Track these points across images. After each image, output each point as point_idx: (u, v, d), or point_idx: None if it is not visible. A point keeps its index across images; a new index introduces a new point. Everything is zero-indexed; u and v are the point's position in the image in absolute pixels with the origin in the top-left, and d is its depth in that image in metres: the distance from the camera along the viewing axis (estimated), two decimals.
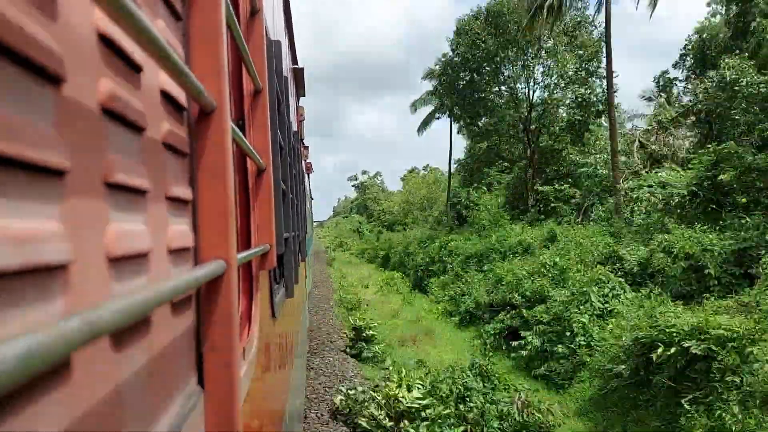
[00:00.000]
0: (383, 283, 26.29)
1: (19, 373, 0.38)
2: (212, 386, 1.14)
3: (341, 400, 9.28)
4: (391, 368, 10.49)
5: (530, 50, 28.46)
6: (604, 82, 22.37)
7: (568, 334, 11.81)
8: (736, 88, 16.76)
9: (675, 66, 32.25)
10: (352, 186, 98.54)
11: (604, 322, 11.64)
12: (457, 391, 9.32)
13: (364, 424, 8.30)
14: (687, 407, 7.97)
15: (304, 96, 10.38)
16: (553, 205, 24.24)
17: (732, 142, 14.43)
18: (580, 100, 26.67)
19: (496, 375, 10.32)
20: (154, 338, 0.92)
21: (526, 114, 29.27)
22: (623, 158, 21.97)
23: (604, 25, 21.22)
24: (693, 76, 26.94)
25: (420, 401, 8.31)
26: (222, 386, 1.14)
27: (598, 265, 13.62)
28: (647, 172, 20.40)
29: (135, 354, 0.83)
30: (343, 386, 10.10)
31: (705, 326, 8.27)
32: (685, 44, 31.03)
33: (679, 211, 15.06)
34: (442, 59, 32.32)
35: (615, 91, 20.68)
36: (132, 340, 0.82)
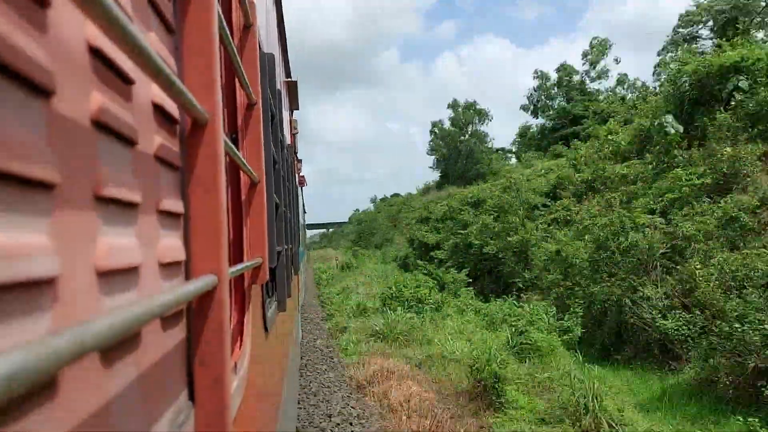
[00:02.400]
0: None
1: (4, 391, 0.38)
2: (203, 401, 1.12)
3: None
4: None
5: None
6: None
7: None
8: None
9: None
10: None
11: None
12: None
13: None
14: None
15: (297, 109, 10.41)
16: None
17: None
18: None
19: None
20: (143, 353, 0.90)
21: None
22: None
23: None
24: None
25: None
26: (212, 401, 1.13)
27: None
28: None
29: (124, 369, 0.82)
30: None
31: None
32: None
33: None
34: None
35: None
36: (121, 355, 0.81)
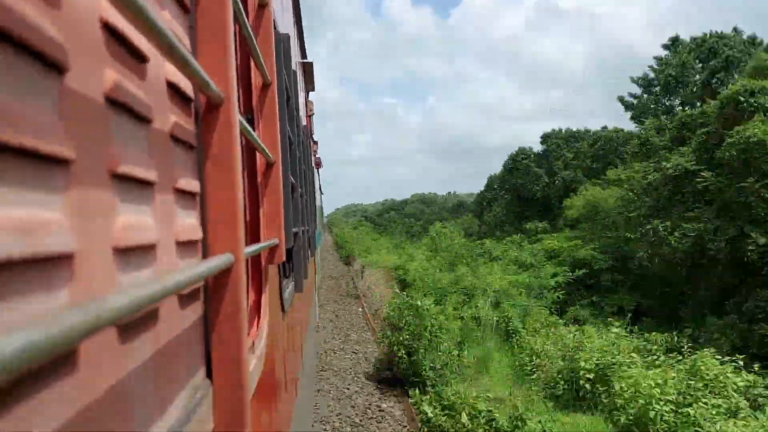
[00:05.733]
0: None
1: (21, 365, 0.38)
2: (220, 379, 1.14)
3: None
4: None
5: None
6: None
7: None
8: None
9: None
10: None
11: None
12: None
13: None
14: None
15: (313, 90, 10.39)
16: None
17: None
18: None
19: None
20: (161, 330, 0.91)
21: None
22: None
23: None
24: None
25: None
26: (230, 379, 1.14)
27: None
28: None
29: (142, 346, 0.83)
30: None
31: None
32: None
33: None
34: None
35: None
36: (139, 332, 0.82)
